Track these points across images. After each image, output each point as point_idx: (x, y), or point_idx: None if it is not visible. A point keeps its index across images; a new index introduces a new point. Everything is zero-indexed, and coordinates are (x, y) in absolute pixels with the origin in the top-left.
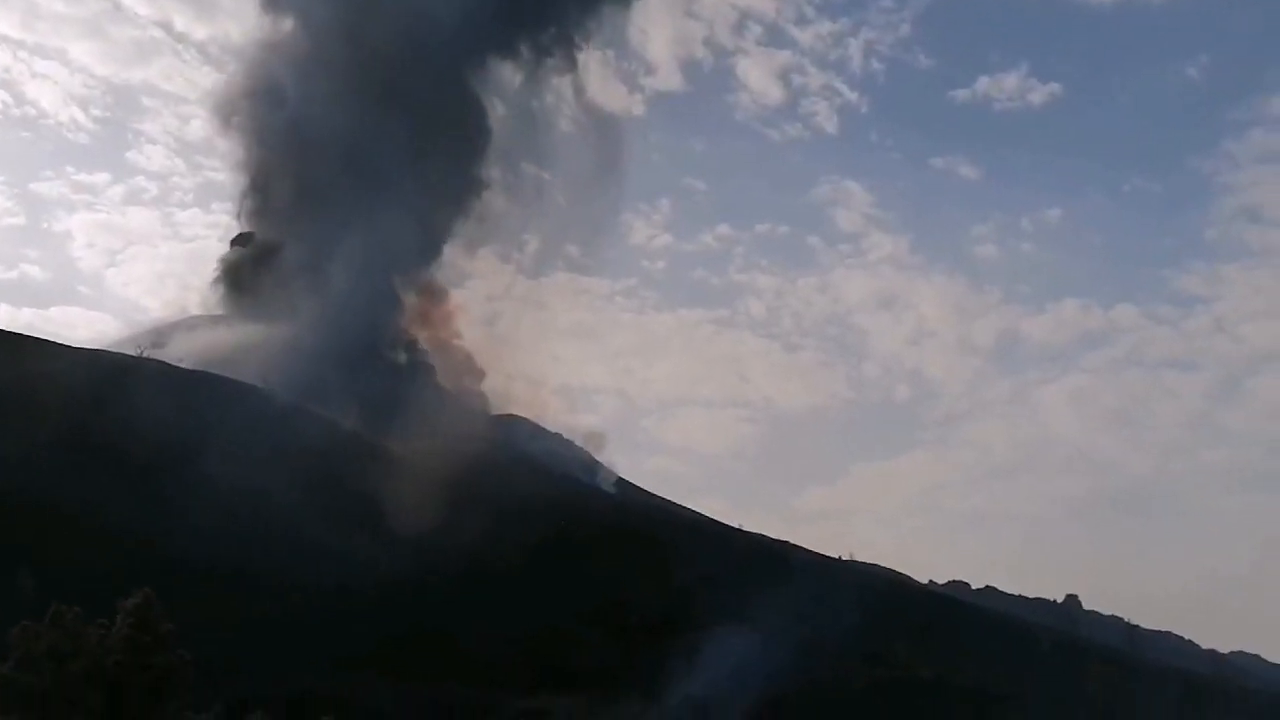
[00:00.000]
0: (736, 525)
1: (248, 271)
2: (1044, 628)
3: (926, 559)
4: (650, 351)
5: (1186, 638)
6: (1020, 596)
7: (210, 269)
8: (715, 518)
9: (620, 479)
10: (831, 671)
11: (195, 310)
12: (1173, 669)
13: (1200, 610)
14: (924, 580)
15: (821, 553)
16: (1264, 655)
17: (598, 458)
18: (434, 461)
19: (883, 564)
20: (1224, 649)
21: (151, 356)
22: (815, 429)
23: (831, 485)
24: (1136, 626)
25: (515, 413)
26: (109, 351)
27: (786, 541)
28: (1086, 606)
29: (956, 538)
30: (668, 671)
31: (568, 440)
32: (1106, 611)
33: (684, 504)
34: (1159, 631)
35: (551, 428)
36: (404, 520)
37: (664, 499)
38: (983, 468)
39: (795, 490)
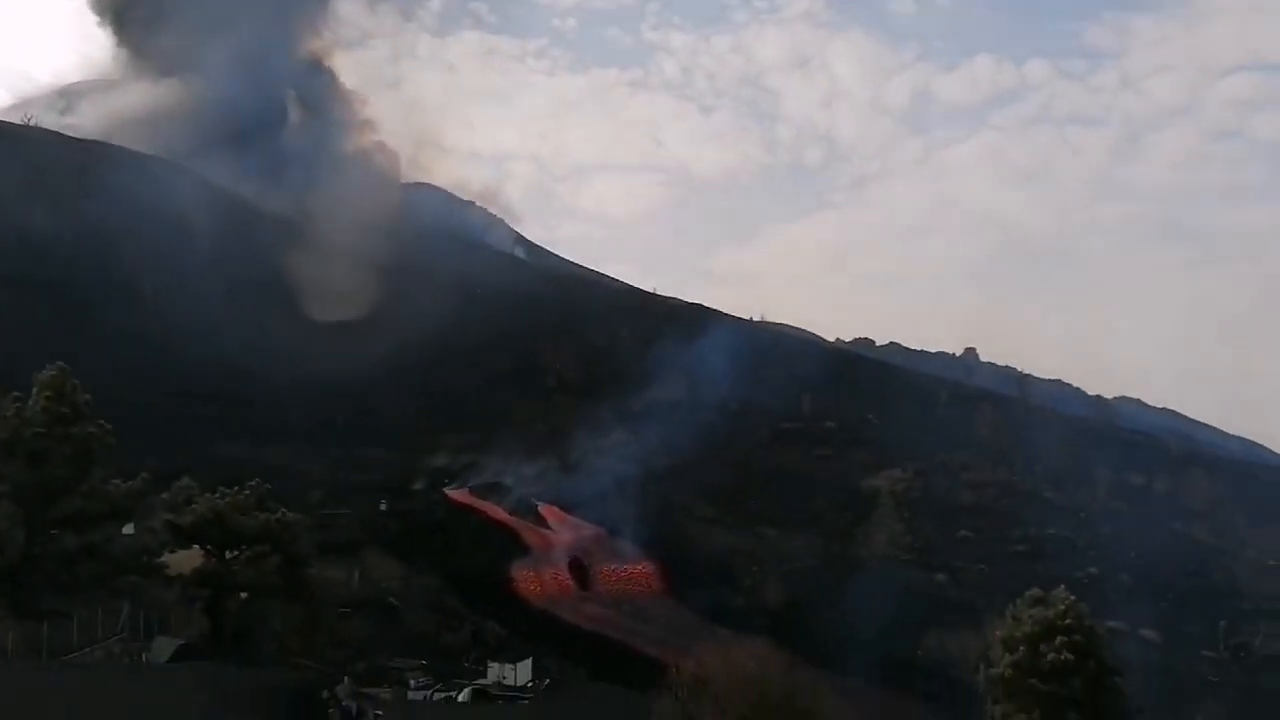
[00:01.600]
0: (651, 289)
1: (139, 30)
2: (943, 380)
3: (834, 318)
4: (563, 115)
5: (1074, 385)
6: (922, 351)
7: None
8: (630, 283)
9: (535, 245)
10: (744, 427)
11: (86, 74)
12: (1059, 414)
13: (1088, 359)
14: (832, 338)
15: (734, 314)
16: (1145, 400)
17: (512, 224)
18: (348, 235)
19: (793, 324)
20: (1109, 395)
21: (40, 125)
22: (728, 192)
23: (744, 248)
24: (1028, 376)
25: (426, 180)
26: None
27: (700, 304)
28: (983, 359)
29: (863, 297)
30: (586, 432)
31: (481, 208)
32: (1001, 363)
33: (599, 269)
34: (1049, 379)
35: (464, 195)
36: (323, 299)
37: (579, 265)
38: (890, 228)
39: (708, 253)
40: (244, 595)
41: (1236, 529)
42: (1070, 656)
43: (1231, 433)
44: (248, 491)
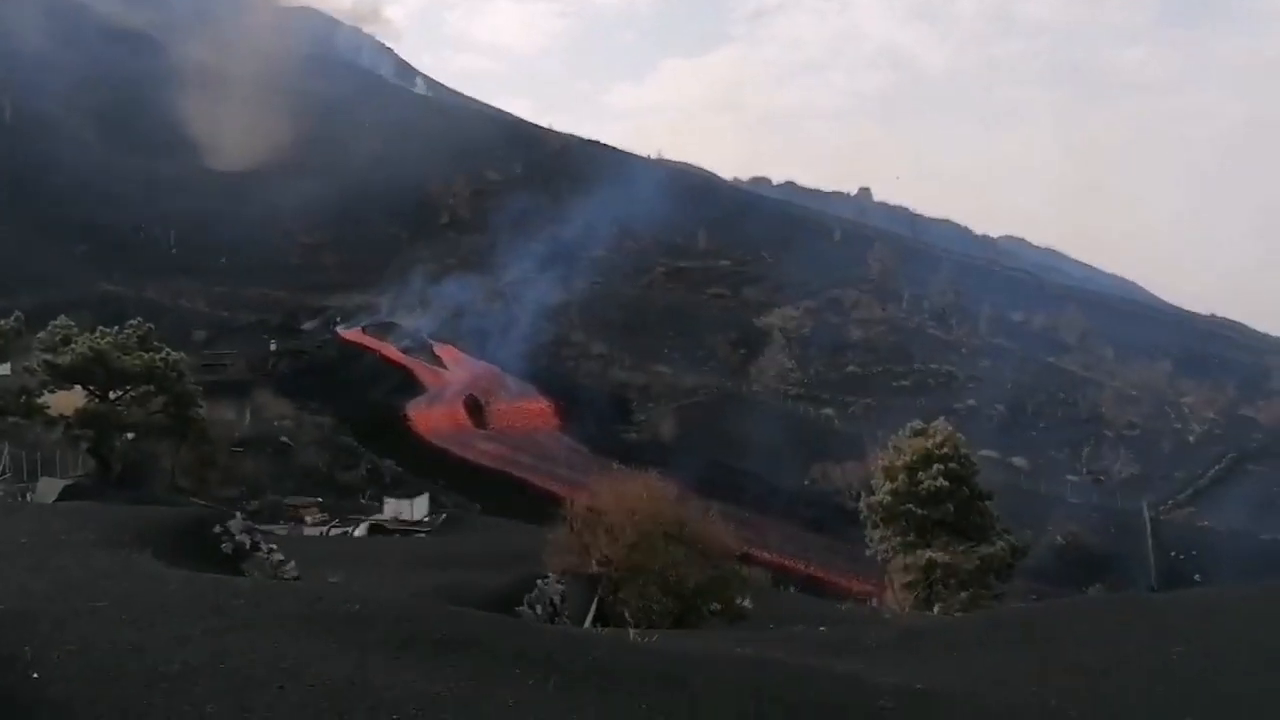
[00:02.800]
0: (546, 125)
1: None
2: (838, 218)
3: (732, 156)
4: None
5: (963, 225)
6: (817, 190)
7: None
8: (525, 118)
9: (429, 78)
10: (639, 265)
11: None
12: (948, 251)
13: (977, 198)
14: (729, 177)
15: (631, 152)
16: (1029, 239)
17: (402, 55)
18: (232, 66)
19: (690, 162)
20: (995, 234)
21: None
22: (626, 24)
23: (641, 83)
24: (919, 215)
25: (306, 4)
26: None
27: (596, 141)
28: (876, 198)
29: (762, 134)
30: (480, 270)
31: (369, 34)
32: (894, 202)
33: (494, 104)
34: (939, 219)
35: (348, 21)
36: (200, 129)
37: (472, 98)
38: (791, 63)
39: (605, 88)
40: (130, 435)
41: (1105, 362)
42: (946, 483)
43: (1106, 270)
44: (129, 330)
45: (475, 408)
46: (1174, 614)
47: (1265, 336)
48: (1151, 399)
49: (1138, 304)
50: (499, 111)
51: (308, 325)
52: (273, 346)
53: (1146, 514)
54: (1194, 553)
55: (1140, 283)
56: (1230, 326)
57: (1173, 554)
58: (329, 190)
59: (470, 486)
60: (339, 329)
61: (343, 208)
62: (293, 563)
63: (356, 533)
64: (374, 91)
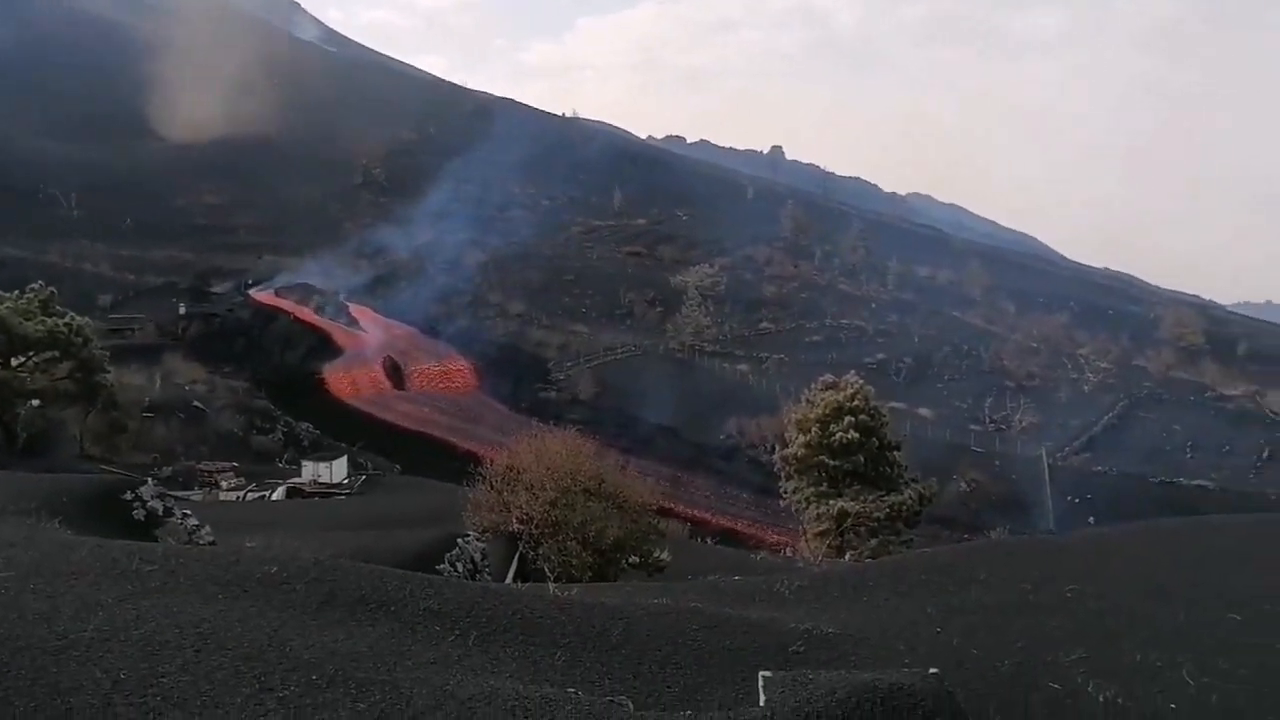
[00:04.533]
0: (460, 83)
1: None
2: (751, 177)
3: (647, 114)
4: None
5: (872, 182)
6: (731, 149)
7: None
8: (440, 75)
9: (337, 33)
10: (555, 224)
11: None
12: (858, 209)
13: (887, 156)
14: (643, 135)
15: (546, 110)
16: (935, 196)
17: (309, 9)
18: (135, 22)
19: (605, 120)
20: (903, 192)
21: None
22: None
23: (557, 40)
24: (831, 174)
25: None
26: None
27: (511, 99)
28: (789, 157)
29: (676, 93)
30: (395, 231)
31: None
32: (805, 160)
33: (407, 61)
34: (849, 177)
35: None
36: (101, 85)
37: (386, 55)
38: (705, 22)
39: (520, 46)
40: (36, 403)
41: (1006, 315)
42: (856, 435)
43: (1007, 226)
44: (30, 295)
45: (393, 369)
46: (1069, 554)
47: (1155, 289)
48: (1050, 350)
49: (1037, 259)
50: (411, 68)
51: (219, 288)
52: (182, 310)
53: (1045, 460)
54: (1089, 496)
55: (1039, 238)
56: (1123, 280)
57: (1069, 497)
58: (236, 150)
59: (390, 448)
60: (251, 291)
61: (251, 167)
62: (207, 528)
63: (274, 497)
64: (280, 47)
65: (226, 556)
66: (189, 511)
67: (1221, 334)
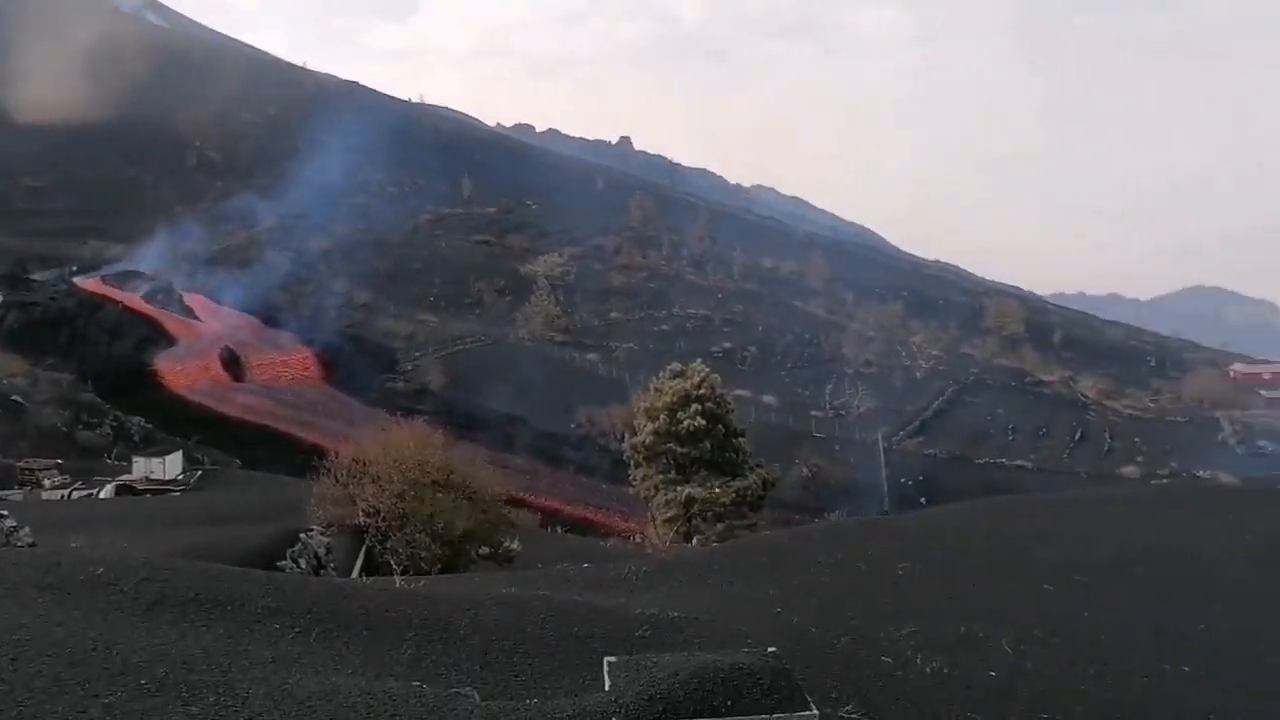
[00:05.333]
0: (301, 64)
1: None
2: (600, 167)
3: (495, 102)
4: None
5: (718, 174)
6: (580, 138)
7: None
8: (279, 56)
9: (167, 7)
10: (402, 211)
11: None
12: (704, 200)
13: (732, 149)
14: (492, 123)
15: (391, 94)
16: (778, 189)
17: None
18: None
19: (453, 106)
20: (748, 184)
21: None
22: None
23: (403, 23)
24: (678, 165)
25: None
26: None
27: (355, 82)
28: (637, 147)
29: (525, 82)
30: (233, 216)
31: None
32: (653, 151)
33: (244, 39)
34: (696, 169)
35: None
36: None
37: (219, 33)
38: (552, 11)
39: (363, 28)
40: None
41: (845, 305)
42: (703, 422)
43: (846, 219)
44: None
45: (232, 360)
46: (901, 534)
47: (981, 280)
48: (885, 339)
49: (874, 250)
50: (248, 47)
51: (40, 275)
52: None
53: (880, 444)
54: (921, 478)
55: (876, 230)
56: (952, 271)
57: (903, 480)
58: (62, 129)
59: (229, 442)
60: (76, 279)
61: (78, 148)
62: (26, 529)
63: (102, 495)
64: (104, 21)
65: (47, 558)
66: (5, 512)
67: (1040, 323)
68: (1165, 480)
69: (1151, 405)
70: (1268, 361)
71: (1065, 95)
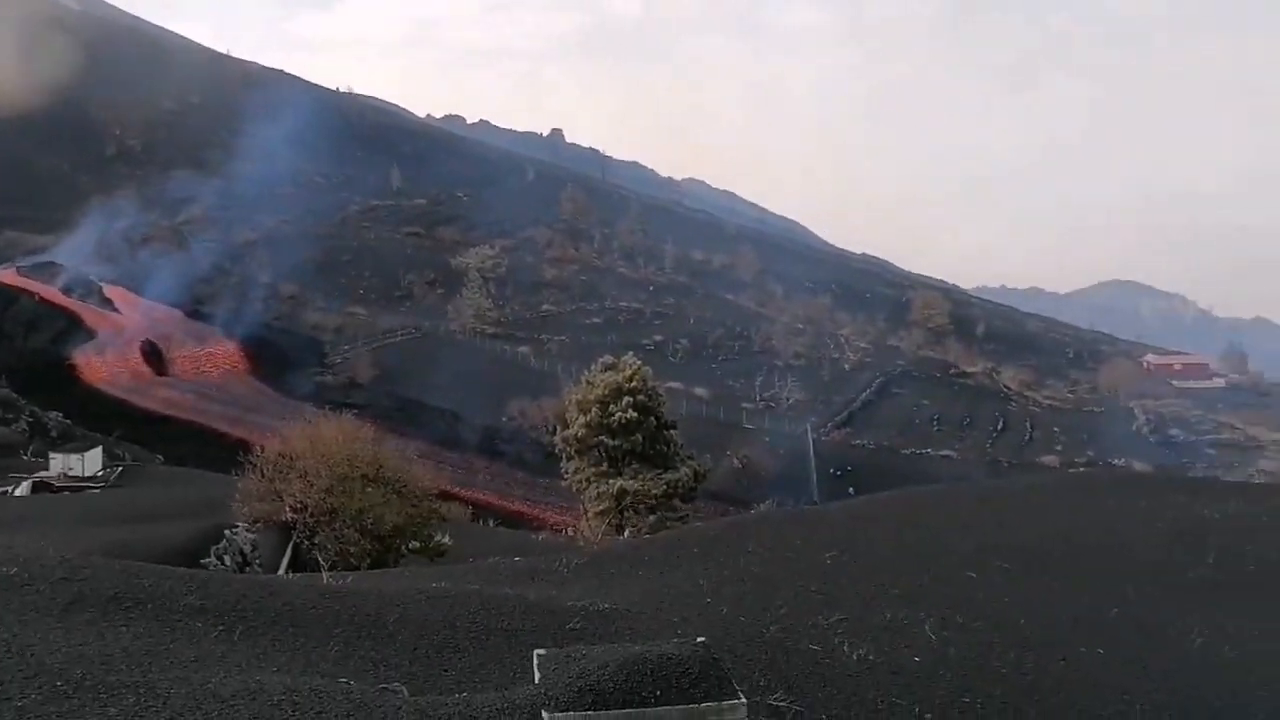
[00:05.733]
0: (226, 51)
1: None
2: (531, 159)
3: (425, 93)
4: None
5: (649, 167)
6: (511, 130)
7: None
8: (201, 42)
9: None
10: (330, 203)
11: None
12: (635, 193)
13: (663, 142)
14: (422, 114)
15: (318, 84)
16: (709, 182)
17: None
18: None
19: (381, 97)
20: (679, 177)
21: None
22: None
23: (330, 11)
24: (609, 158)
25: None
26: None
27: (281, 70)
28: (568, 140)
29: (455, 72)
30: (155, 206)
31: None
32: (585, 144)
33: (163, 25)
34: (627, 162)
35: None
36: None
37: (135, 16)
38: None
39: (289, 15)
40: None
41: (775, 298)
42: (635, 415)
43: (776, 212)
44: None
45: (155, 354)
46: (829, 524)
47: (907, 273)
48: (814, 331)
49: (803, 244)
50: (170, 33)
51: None
52: None
53: (810, 436)
54: (849, 468)
55: (805, 224)
56: (879, 264)
57: (832, 470)
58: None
59: (152, 437)
60: None
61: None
62: None
63: (17, 493)
64: (17, 3)
65: None
66: None
67: (964, 316)
68: (1082, 468)
69: (1070, 396)
70: (1179, 353)
71: (990, 93)
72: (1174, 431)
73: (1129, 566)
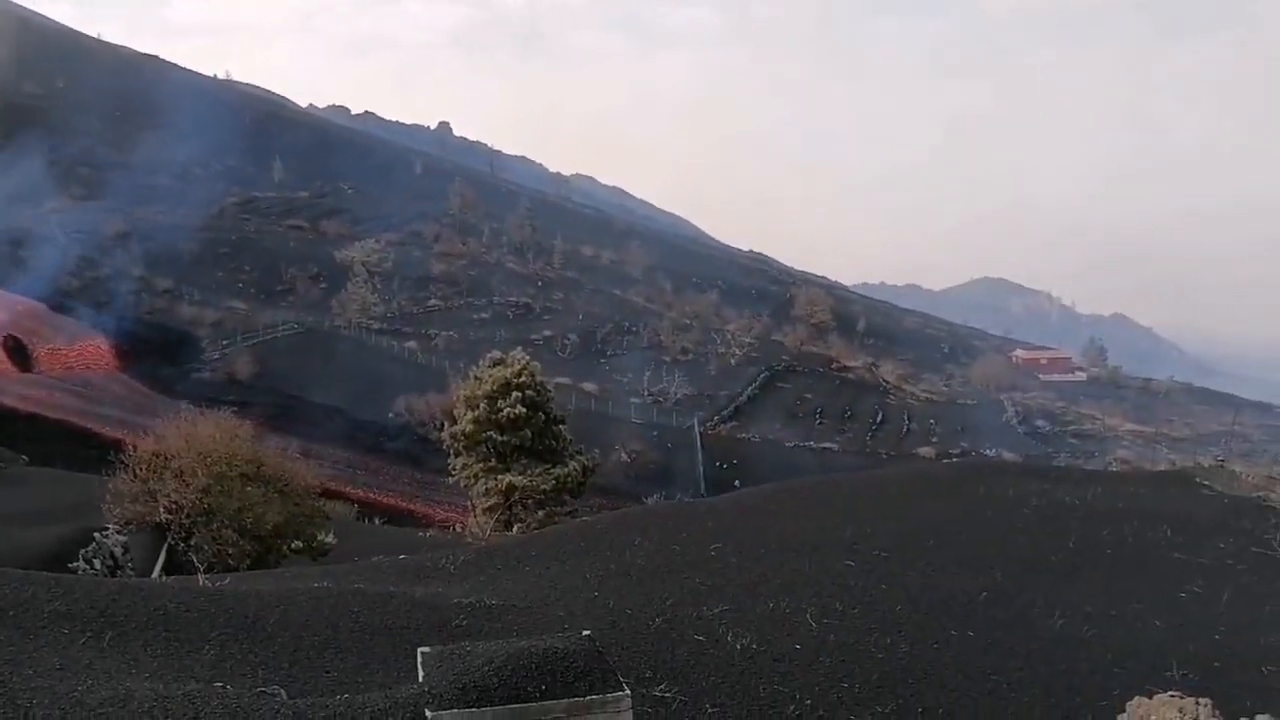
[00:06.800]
0: (96, 35)
1: None
2: (418, 152)
3: (307, 82)
4: None
5: (538, 162)
6: (398, 123)
7: None
8: (69, 25)
9: None
10: (208, 194)
11: None
12: (525, 188)
13: (551, 139)
14: (304, 104)
15: (196, 71)
16: (598, 178)
17: None
18: None
19: (262, 86)
20: (568, 172)
21: None
22: None
23: None
24: (499, 152)
25: None
26: None
27: (155, 56)
28: (457, 133)
29: (339, 61)
30: (18, 195)
31: None
32: (473, 138)
33: (29, 6)
34: (516, 156)
35: None
36: None
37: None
38: None
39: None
40: None
41: (664, 293)
42: (524, 410)
43: (664, 209)
44: None
45: (17, 349)
46: (715, 516)
47: (791, 270)
48: (701, 327)
49: (691, 240)
50: (37, 15)
51: None
52: None
53: (697, 430)
54: (735, 461)
55: (692, 220)
56: (764, 261)
57: (718, 463)
58: None
59: (13, 437)
60: None
61: None
62: None
63: None
64: None
65: None
66: None
67: (845, 312)
68: (956, 458)
69: (944, 389)
70: (1044, 348)
71: (868, 94)
72: (1040, 423)
73: (997, 551)
